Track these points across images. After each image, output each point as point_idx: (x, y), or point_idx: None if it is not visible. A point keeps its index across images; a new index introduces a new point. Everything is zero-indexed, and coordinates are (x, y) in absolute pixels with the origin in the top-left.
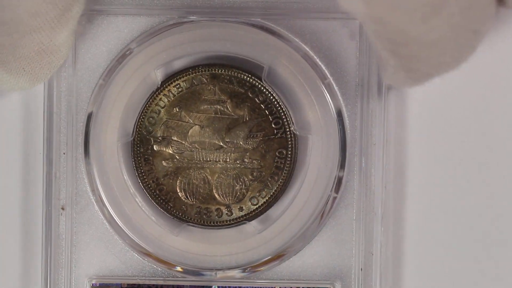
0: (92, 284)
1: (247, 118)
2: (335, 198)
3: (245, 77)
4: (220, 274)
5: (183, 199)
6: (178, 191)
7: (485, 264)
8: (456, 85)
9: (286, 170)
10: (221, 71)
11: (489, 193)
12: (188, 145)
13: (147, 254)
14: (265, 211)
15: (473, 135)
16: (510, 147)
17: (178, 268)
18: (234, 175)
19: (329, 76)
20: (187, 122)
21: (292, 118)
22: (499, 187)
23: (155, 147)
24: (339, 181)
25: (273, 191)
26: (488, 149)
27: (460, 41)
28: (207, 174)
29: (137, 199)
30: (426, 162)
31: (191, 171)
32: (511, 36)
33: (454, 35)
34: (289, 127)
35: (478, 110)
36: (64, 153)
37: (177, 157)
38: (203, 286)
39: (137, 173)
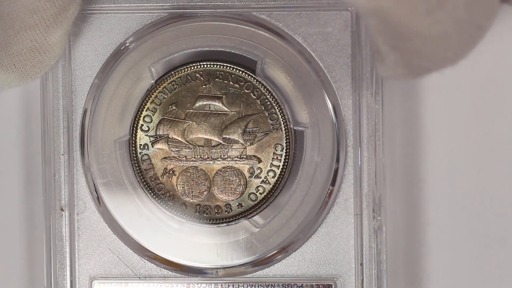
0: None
1: (243, 114)
2: (333, 192)
3: (239, 72)
4: (221, 272)
5: (182, 197)
6: (177, 189)
7: (488, 258)
8: (453, 77)
9: (283, 165)
10: (216, 67)
11: (490, 185)
12: (185, 142)
13: (147, 253)
14: (264, 207)
15: (472, 126)
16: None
17: (180, 267)
18: (232, 172)
19: (323, 68)
20: (183, 120)
21: (288, 113)
22: (500, 176)
23: (152, 146)
24: (336, 175)
25: (271, 186)
26: (488, 142)
27: (463, 36)
28: (205, 171)
29: (136, 198)
30: (424, 154)
31: (190, 168)
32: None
33: (458, 29)
34: (285, 122)
35: (477, 103)
36: (62, 154)
37: (175, 155)
38: (206, 285)
39: (135, 172)
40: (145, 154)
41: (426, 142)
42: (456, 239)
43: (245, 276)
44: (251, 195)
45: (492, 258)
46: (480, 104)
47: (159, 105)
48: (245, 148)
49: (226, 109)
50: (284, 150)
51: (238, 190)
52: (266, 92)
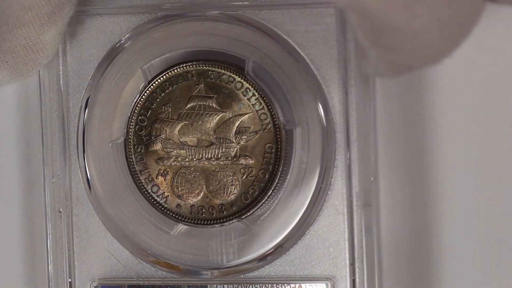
0: (94, 287)
1: (235, 114)
2: (324, 191)
3: (229, 72)
4: (216, 273)
5: (177, 198)
6: (172, 189)
7: (487, 259)
8: (452, 74)
9: (275, 164)
10: (207, 66)
11: (490, 182)
12: (178, 143)
13: (144, 254)
14: (257, 207)
15: (472, 123)
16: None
17: (176, 268)
18: (225, 172)
19: (311, 66)
20: (177, 120)
21: (277, 112)
22: (500, 174)
23: (147, 146)
24: (326, 174)
25: (263, 186)
26: (487, 141)
27: (444, 33)
28: (199, 172)
29: (132, 199)
30: (413, 152)
31: (183, 169)
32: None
33: (438, 26)
34: (275, 121)
35: (477, 101)
36: (59, 156)
37: (169, 156)
38: (201, 286)
39: (131, 173)
40: (139, 155)
41: (422, 139)
42: (451, 238)
43: (239, 276)
44: (244, 195)
45: (493, 259)
46: (479, 102)
47: (153, 105)
48: (238, 147)
49: (218, 108)
50: (275, 150)
51: (231, 190)
52: (255, 91)
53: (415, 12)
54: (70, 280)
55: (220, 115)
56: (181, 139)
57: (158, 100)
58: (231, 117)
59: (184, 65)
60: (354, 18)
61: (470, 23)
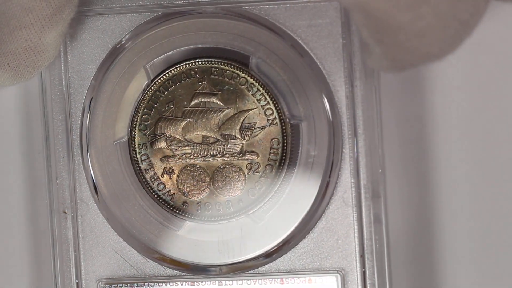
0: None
1: (239, 110)
2: (332, 184)
3: (233, 68)
4: (225, 269)
5: (183, 196)
6: (177, 187)
7: (489, 252)
8: (455, 67)
9: (281, 159)
10: (210, 63)
11: (493, 172)
12: (183, 140)
13: (151, 253)
14: (264, 202)
15: (473, 116)
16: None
17: (184, 266)
18: (231, 168)
19: (316, 61)
20: (181, 118)
21: (283, 107)
22: (501, 166)
23: (151, 145)
24: (334, 167)
25: (270, 181)
26: (491, 132)
27: (447, 31)
28: (205, 169)
29: (138, 198)
30: (419, 143)
31: (189, 166)
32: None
33: (442, 24)
34: (280, 116)
35: (480, 93)
36: (63, 157)
37: (174, 153)
38: (210, 282)
39: (136, 172)
40: (144, 154)
41: (427, 130)
42: (458, 228)
43: (248, 272)
44: (251, 191)
45: (495, 248)
46: (483, 96)
47: (156, 104)
48: (243, 143)
49: (222, 105)
50: (281, 144)
51: (237, 186)
52: (260, 87)
53: (418, 12)
54: (77, 281)
55: (225, 111)
56: (185, 137)
57: (161, 98)
58: (236, 113)
59: (187, 63)
60: (358, 17)
61: (473, 20)
